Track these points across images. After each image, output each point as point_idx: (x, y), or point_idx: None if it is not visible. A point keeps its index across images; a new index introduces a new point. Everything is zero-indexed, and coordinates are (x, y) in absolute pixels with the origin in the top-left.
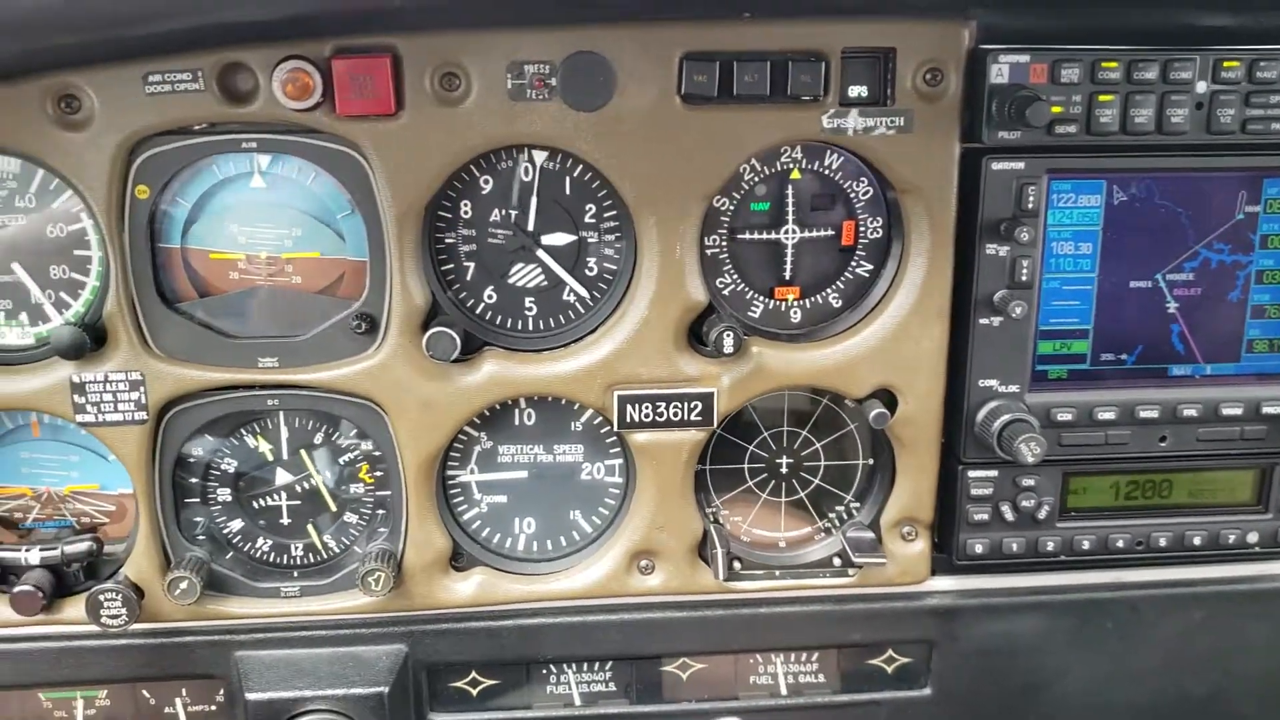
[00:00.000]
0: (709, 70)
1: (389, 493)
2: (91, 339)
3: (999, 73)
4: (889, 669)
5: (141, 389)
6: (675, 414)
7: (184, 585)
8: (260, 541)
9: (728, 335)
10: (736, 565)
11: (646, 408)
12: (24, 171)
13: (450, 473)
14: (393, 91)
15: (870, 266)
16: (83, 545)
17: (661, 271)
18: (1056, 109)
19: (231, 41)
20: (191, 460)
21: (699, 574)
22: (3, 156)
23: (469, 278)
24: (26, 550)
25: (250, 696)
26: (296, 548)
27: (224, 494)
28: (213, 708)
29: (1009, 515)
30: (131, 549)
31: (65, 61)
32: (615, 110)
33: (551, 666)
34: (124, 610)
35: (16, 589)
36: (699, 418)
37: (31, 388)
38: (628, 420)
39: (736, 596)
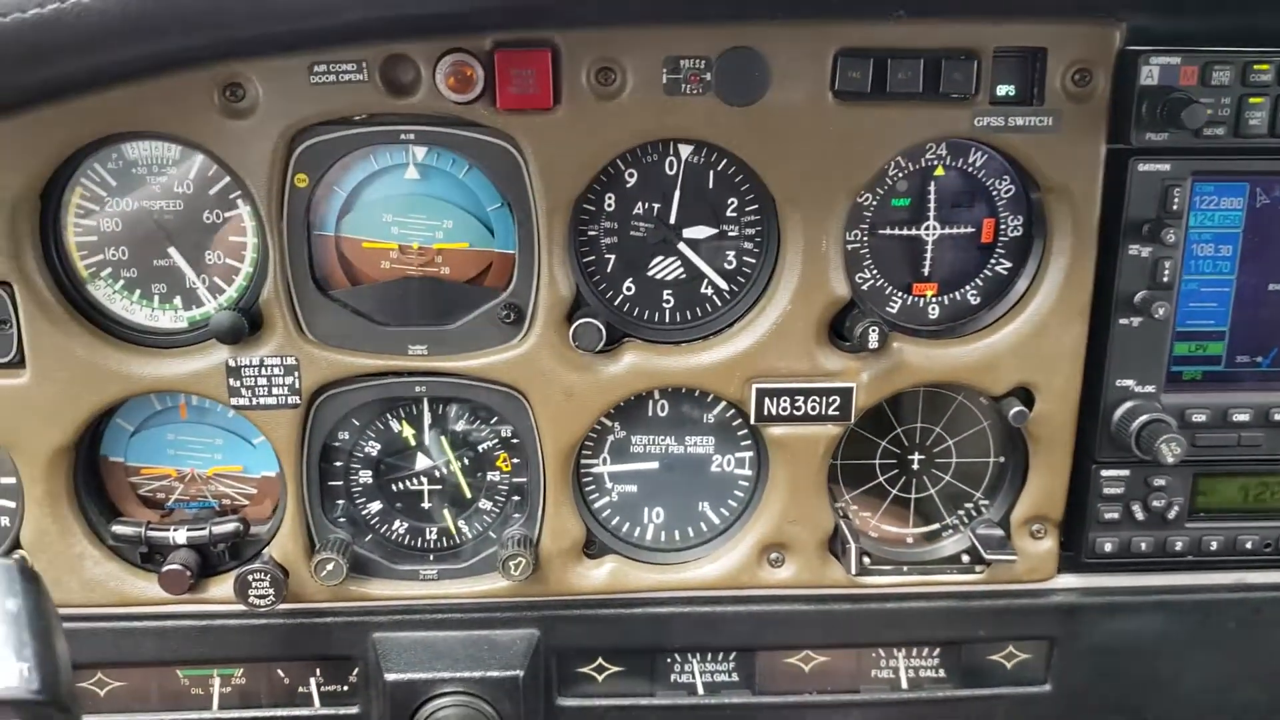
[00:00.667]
0: (863, 67)
1: (525, 480)
2: (248, 324)
3: (1149, 74)
4: (1008, 665)
5: (295, 374)
6: (813, 408)
7: (330, 567)
8: (396, 524)
9: (873, 330)
10: (865, 560)
11: (784, 401)
12: (184, 158)
13: (584, 462)
14: (551, 85)
15: (1009, 264)
16: (230, 526)
17: (805, 266)
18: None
19: (396, 34)
20: (335, 444)
21: (829, 568)
22: (164, 143)
23: (609, 270)
24: (175, 530)
25: (389, 677)
26: (431, 531)
27: (365, 476)
28: (345, 688)
29: (1139, 514)
30: (276, 530)
31: (233, 51)
32: (768, 105)
33: (676, 655)
34: (271, 590)
35: (166, 568)
36: (836, 412)
37: (188, 370)
38: (765, 414)
39: (863, 591)
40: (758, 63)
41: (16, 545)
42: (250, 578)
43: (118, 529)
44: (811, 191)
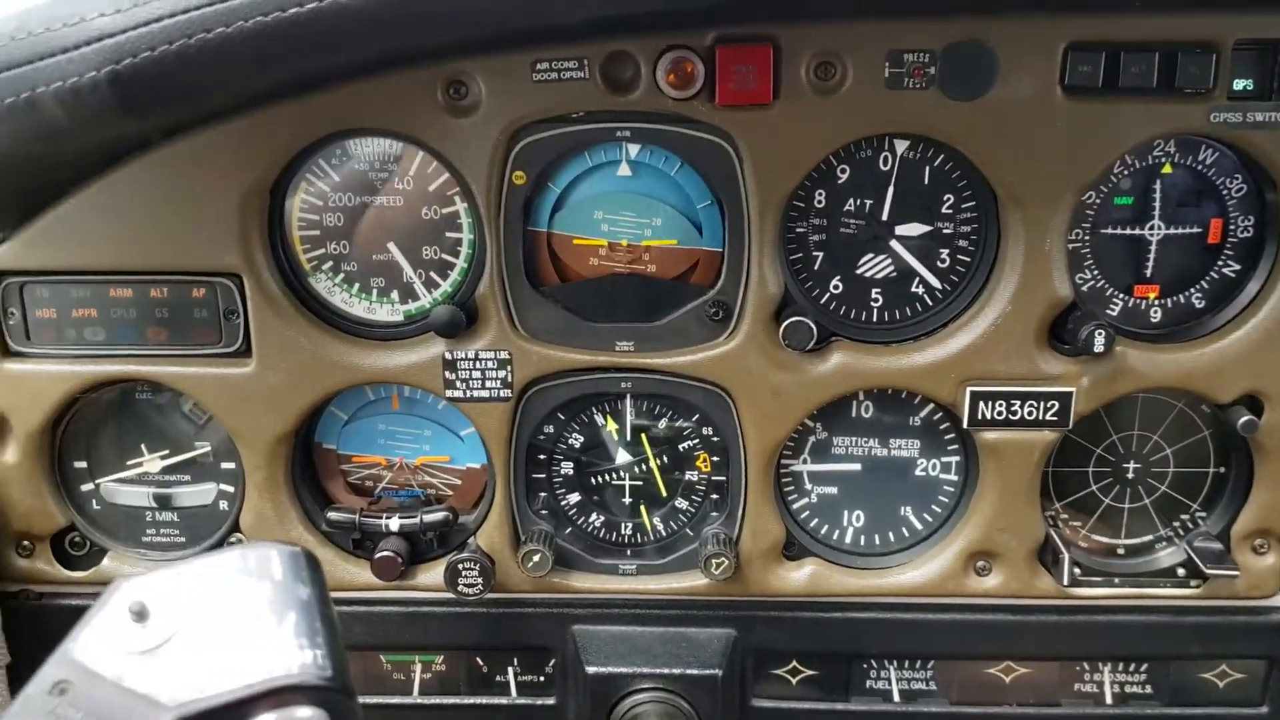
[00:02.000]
0: (1094, 61)
1: (724, 479)
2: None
3: None
4: (1221, 684)
5: (508, 368)
6: (1030, 413)
7: (536, 558)
8: (594, 517)
9: (1099, 334)
10: (1076, 571)
11: (1000, 405)
12: (405, 155)
13: (784, 462)
14: (771, 81)
15: (1238, 266)
16: (440, 515)
17: (1026, 265)
18: None
19: (619, 31)
20: (540, 437)
21: (1037, 578)
22: (386, 140)
23: (816, 268)
24: (387, 518)
25: (590, 670)
26: (626, 526)
27: (567, 468)
28: (541, 678)
29: None
30: (482, 520)
31: (458, 50)
32: (993, 100)
33: (872, 661)
34: (480, 580)
35: (379, 554)
36: (1054, 418)
37: (407, 363)
38: (979, 417)
39: (1072, 603)
40: (985, 56)
41: (235, 529)
42: (460, 566)
43: (333, 515)
44: (1036, 189)
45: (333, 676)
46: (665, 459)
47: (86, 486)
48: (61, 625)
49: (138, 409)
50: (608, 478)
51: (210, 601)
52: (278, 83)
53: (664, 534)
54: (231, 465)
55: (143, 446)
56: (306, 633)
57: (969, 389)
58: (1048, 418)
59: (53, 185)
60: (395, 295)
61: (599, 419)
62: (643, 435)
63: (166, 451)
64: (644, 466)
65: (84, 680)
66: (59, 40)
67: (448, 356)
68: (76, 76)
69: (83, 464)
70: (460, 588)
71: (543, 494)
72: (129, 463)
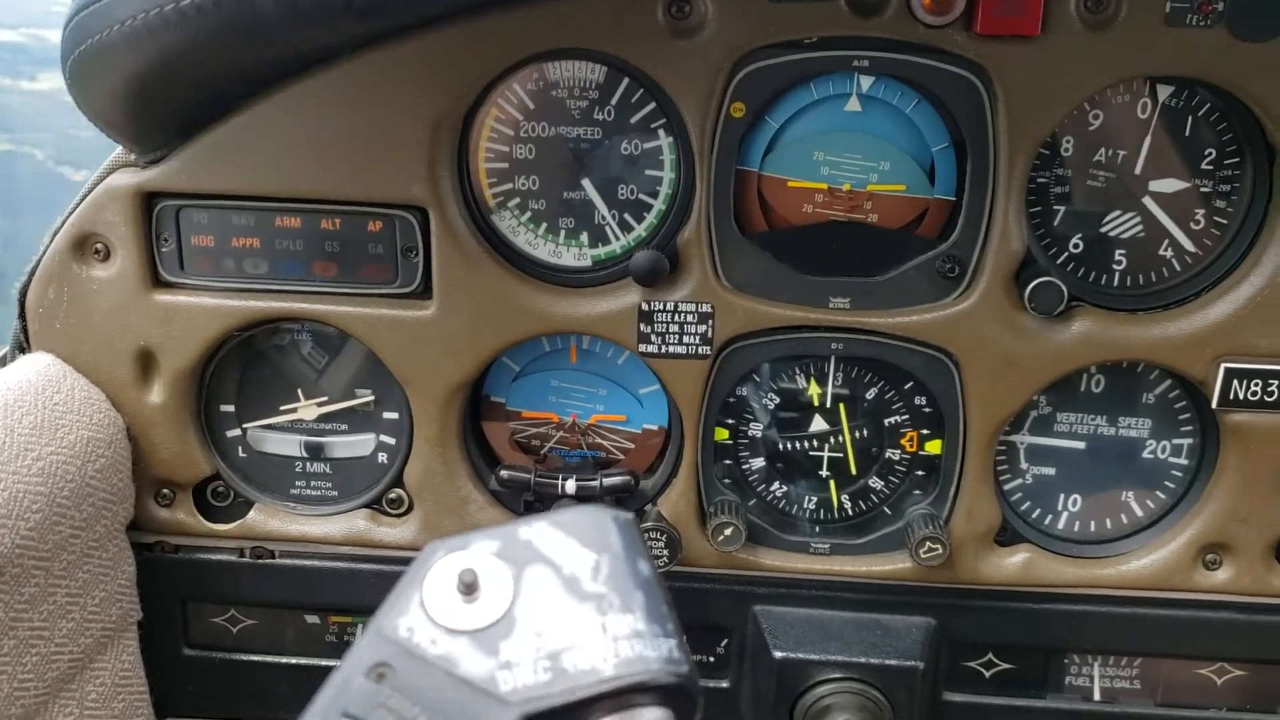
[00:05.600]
0: None
1: (936, 455)
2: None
3: None
4: None
5: (710, 322)
6: None
7: (729, 531)
8: (775, 487)
9: None
10: None
11: (1256, 385)
12: (608, 81)
13: (1002, 438)
14: (1041, 10)
15: None
16: (620, 479)
17: None
18: None
19: None
20: (731, 399)
21: (1273, 574)
22: (588, 64)
23: (1056, 223)
24: (564, 479)
25: (778, 655)
26: (810, 500)
27: (755, 429)
28: (711, 659)
29: None
30: (662, 486)
31: None
32: None
33: (1075, 656)
34: (666, 550)
35: None
36: None
37: (600, 312)
38: (1231, 397)
39: None
40: None
41: (397, 483)
42: (645, 537)
43: (505, 474)
44: None
45: (688, 674)
46: (864, 433)
47: (233, 432)
48: (198, 580)
49: (292, 350)
50: (800, 445)
51: (543, 575)
52: None
53: (851, 513)
54: (395, 415)
55: (299, 392)
56: (658, 619)
57: (1224, 365)
58: None
59: (221, 99)
60: (585, 238)
61: (801, 381)
62: (841, 405)
63: (325, 399)
64: (838, 439)
65: (406, 664)
66: None
67: (644, 307)
68: None
69: (230, 408)
70: None
71: (726, 461)
72: (282, 408)
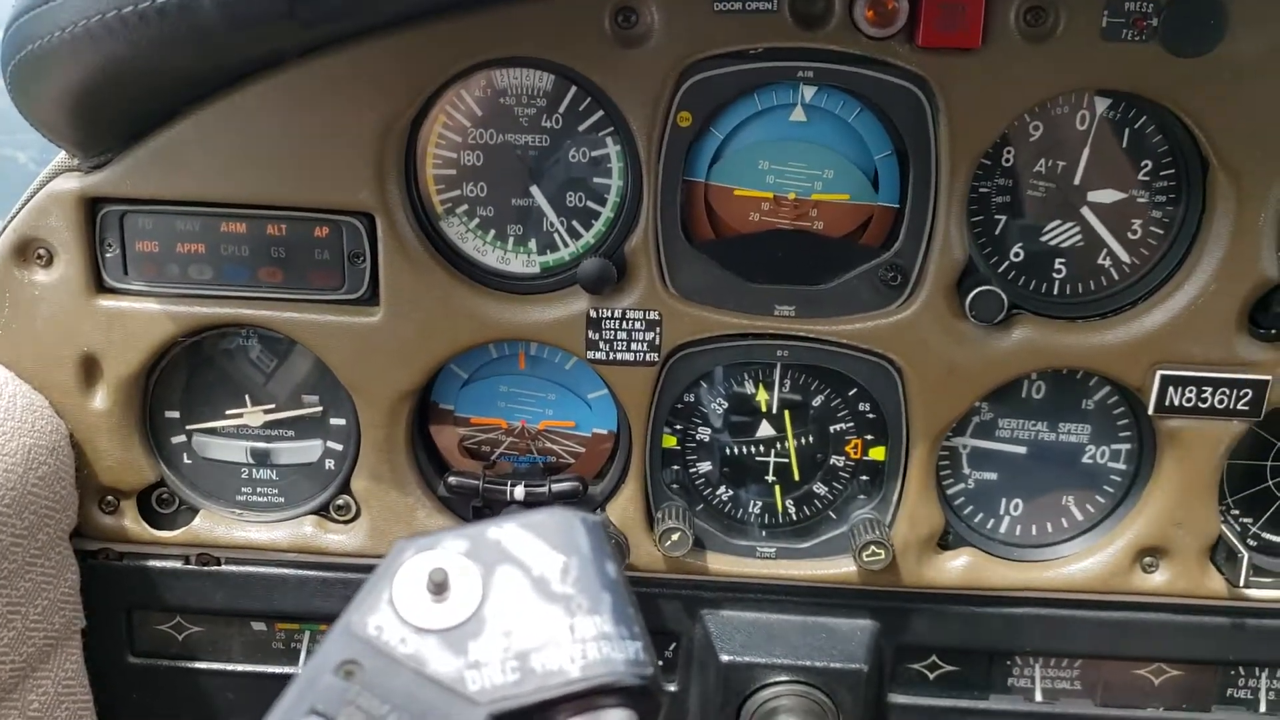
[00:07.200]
0: None
1: (881, 461)
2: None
3: None
4: None
5: (657, 329)
6: (1220, 401)
7: (676, 536)
8: (721, 491)
9: None
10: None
11: (1190, 391)
12: (556, 89)
13: (944, 443)
14: (981, 23)
15: None
16: (569, 484)
17: (1233, 241)
18: None
19: None
20: (679, 405)
21: (1207, 577)
22: (536, 72)
23: (997, 232)
24: (512, 485)
25: (725, 658)
26: (755, 505)
27: (703, 434)
28: (660, 663)
29: None
30: (611, 491)
31: None
32: (1220, 57)
33: (1017, 658)
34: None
35: None
36: (1245, 408)
37: (549, 319)
38: (1166, 403)
39: (1244, 605)
40: (1215, 9)
41: (344, 490)
42: None
43: (454, 480)
44: (1259, 158)
45: (652, 676)
46: (810, 439)
47: (178, 438)
48: (143, 588)
49: (239, 356)
50: (746, 450)
51: (512, 575)
52: None
53: (796, 517)
54: (342, 421)
55: (246, 397)
56: (624, 621)
57: (1159, 372)
58: (1239, 407)
59: (166, 104)
60: (533, 245)
61: (749, 387)
62: (786, 413)
63: (272, 405)
64: (783, 445)
65: (375, 662)
66: None
67: (592, 314)
68: None
69: (175, 414)
70: None
71: (674, 466)
72: (228, 413)
